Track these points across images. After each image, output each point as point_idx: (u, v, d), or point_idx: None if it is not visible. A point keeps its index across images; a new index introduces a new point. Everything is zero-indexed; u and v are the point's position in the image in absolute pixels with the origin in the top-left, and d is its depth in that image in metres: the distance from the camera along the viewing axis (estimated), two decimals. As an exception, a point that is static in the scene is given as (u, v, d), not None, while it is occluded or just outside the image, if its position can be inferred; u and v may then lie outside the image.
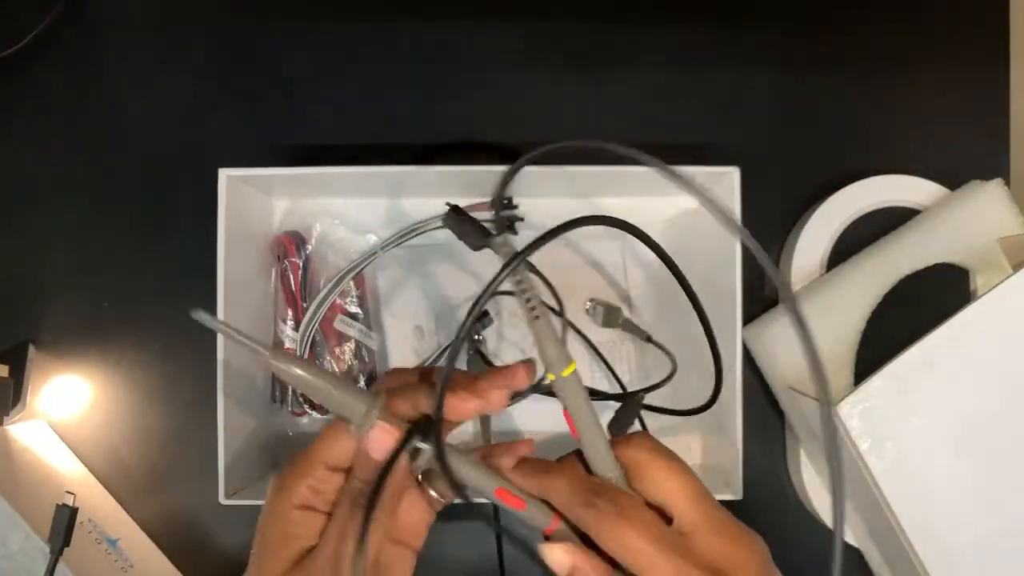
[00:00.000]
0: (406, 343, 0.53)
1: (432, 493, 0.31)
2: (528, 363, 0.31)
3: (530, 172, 0.47)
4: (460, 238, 0.39)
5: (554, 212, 0.53)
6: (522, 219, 0.53)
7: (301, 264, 0.51)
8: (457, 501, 0.31)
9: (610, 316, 0.53)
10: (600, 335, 0.53)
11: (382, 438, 0.28)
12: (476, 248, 0.39)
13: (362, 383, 0.51)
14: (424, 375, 0.33)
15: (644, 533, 0.28)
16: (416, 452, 0.29)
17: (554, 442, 0.53)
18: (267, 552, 0.30)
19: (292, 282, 0.51)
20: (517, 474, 0.32)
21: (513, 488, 0.31)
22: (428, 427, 0.28)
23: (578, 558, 0.29)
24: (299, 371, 0.27)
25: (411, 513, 0.31)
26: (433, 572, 0.54)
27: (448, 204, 0.41)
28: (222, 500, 0.45)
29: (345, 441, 0.30)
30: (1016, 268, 0.48)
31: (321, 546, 0.29)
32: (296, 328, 0.51)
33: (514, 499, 0.31)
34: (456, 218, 0.39)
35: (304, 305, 0.51)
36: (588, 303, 0.53)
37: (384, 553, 0.30)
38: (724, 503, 0.48)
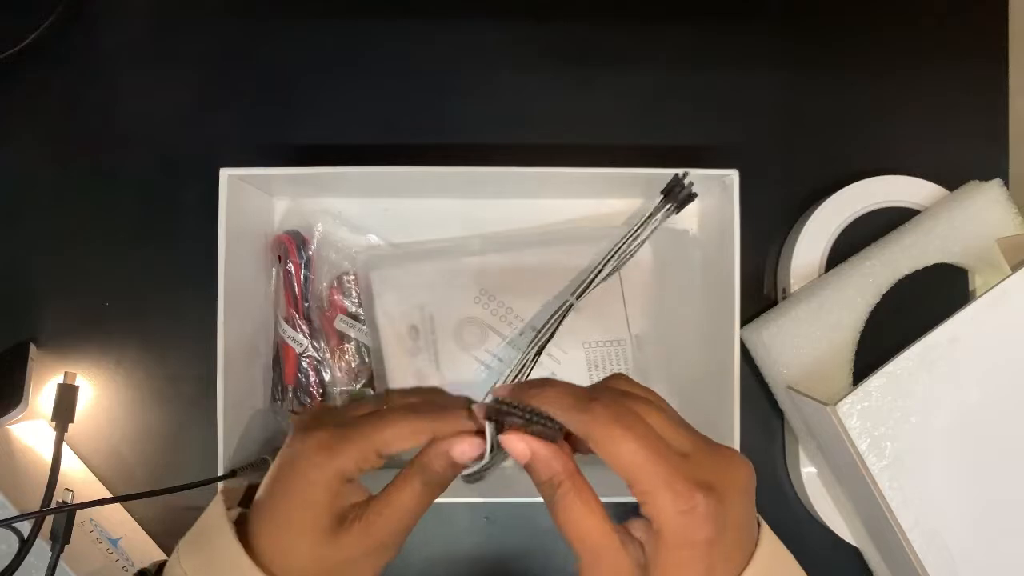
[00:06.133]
0: (400, 343, 0.53)
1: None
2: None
3: (532, 174, 0.47)
4: None
5: (556, 213, 0.54)
6: (696, 195, 0.50)
7: (302, 264, 0.51)
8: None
9: None
10: (593, 335, 0.53)
11: (469, 448, 0.34)
12: None
13: (362, 383, 0.51)
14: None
15: (638, 440, 0.28)
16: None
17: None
18: (299, 517, 0.33)
19: (293, 282, 0.51)
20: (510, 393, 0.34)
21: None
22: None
23: (536, 445, 0.31)
24: None
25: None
26: (428, 569, 0.54)
27: None
28: (223, 499, 0.46)
29: (415, 443, 0.34)
30: (1015, 268, 0.48)
31: (385, 509, 0.33)
32: (295, 327, 0.51)
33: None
34: None
35: (305, 305, 0.51)
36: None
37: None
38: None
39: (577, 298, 0.50)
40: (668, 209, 0.49)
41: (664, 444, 0.29)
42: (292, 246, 0.51)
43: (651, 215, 0.49)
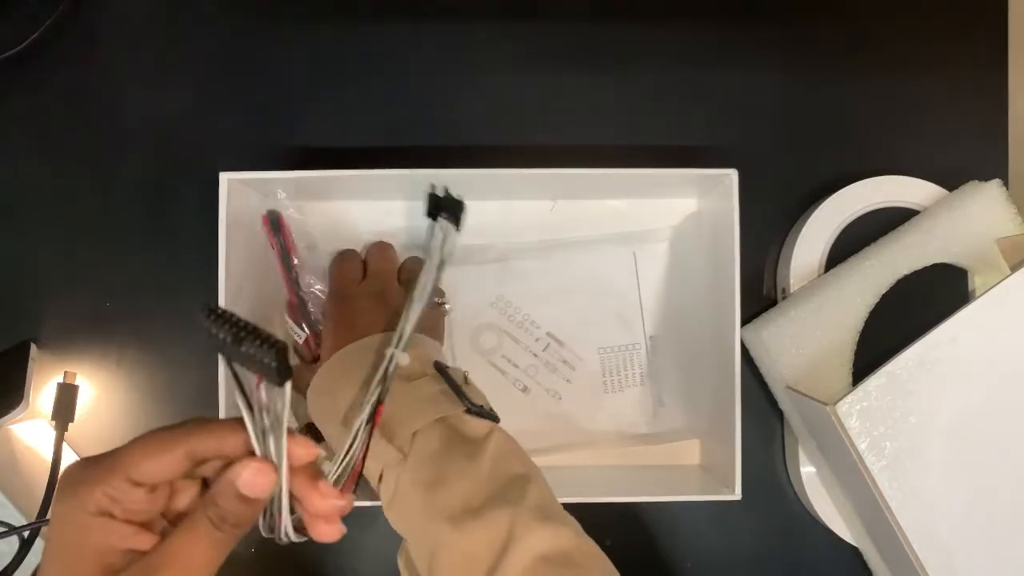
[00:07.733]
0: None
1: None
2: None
3: (536, 175, 0.47)
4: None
5: (558, 213, 0.53)
6: (461, 201, 0.45)
7: (279, 246, 0.49)
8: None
9: None
10: (611, 340, 0.54)
11: (256, 475, 0.29)
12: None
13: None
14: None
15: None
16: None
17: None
18: (64, 565, 0.28)
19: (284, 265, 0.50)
20: None
21: None
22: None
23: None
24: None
25: None
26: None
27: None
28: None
29: (166, 463, 0.28)
30: (1014, 268, 0.48)
31: (165, 563, 0.28)
32: (299, 324, 0.50)
33: None
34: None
35: (299, 296, 0.50)
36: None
37: None
38: (723, 504, 0.48)
39: (400, 349, 0.40)
40: (446, 229, 0.43)
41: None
42: (267, 228, 0.49)
43: (433, 243, 0.43)
